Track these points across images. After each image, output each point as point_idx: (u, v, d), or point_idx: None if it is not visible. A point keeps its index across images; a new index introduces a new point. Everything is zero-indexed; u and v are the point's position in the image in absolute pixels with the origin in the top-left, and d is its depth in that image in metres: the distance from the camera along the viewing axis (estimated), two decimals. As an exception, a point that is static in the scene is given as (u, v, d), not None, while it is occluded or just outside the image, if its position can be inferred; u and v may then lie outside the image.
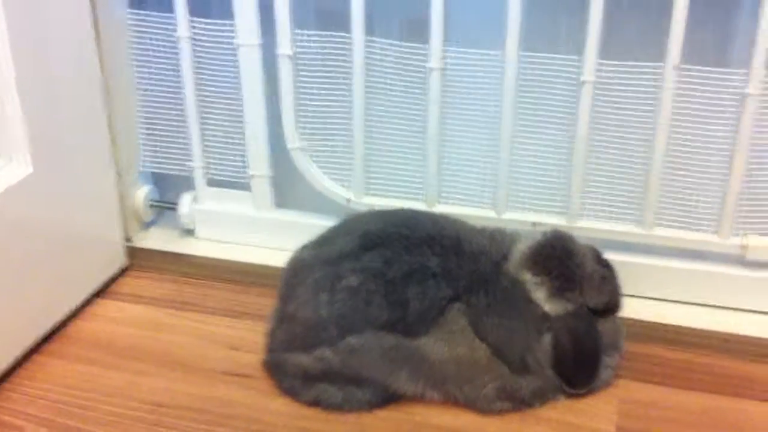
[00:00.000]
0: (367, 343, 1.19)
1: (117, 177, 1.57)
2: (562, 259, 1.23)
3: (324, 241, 1.31)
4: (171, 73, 1.58)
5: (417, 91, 1.46)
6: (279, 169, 1.61)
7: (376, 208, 1.51)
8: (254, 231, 1.65)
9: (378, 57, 1.45)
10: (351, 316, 1.20)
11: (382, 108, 1.49)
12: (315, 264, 1.26)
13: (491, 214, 1.51)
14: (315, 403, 1.25)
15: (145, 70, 1.59)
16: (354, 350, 1.20)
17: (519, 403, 1.24)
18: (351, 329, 1.20)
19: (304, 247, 1.32)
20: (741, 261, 1.45)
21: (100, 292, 1.52)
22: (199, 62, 1.55)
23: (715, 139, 1.38)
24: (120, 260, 1.59)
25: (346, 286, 1.21)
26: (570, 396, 1.26)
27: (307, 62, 1.49)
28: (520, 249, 1.25)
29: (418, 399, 1.25)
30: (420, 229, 1.26)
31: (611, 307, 1.26)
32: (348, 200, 1.55)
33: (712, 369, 1.34)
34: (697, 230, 1.45)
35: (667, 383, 1.31)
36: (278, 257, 1.35)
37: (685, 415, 1.24)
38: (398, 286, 1.20)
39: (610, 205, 1.47)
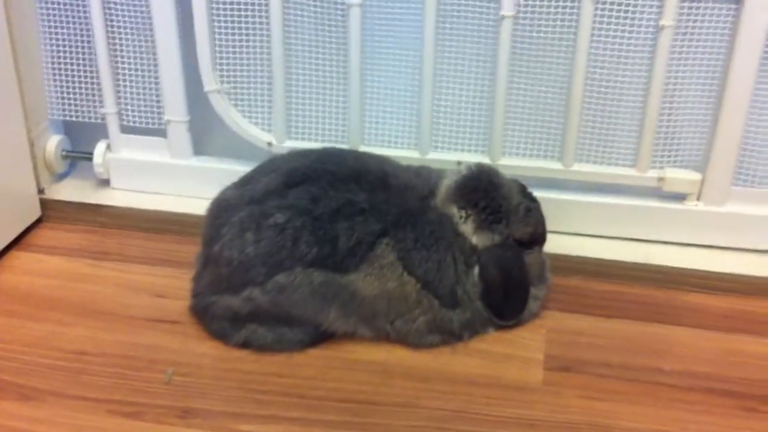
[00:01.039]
0: (296, 281, 1.18)
1: (26, 127, 1.52)
2: (488, 192, 1.23)
3: (247, 180, 1.28)
4: (78, 13, 1.52)
5: (337, 29, 1.44)
6: (196, 114, 1.57)
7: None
8: (172, 179, 1.61)
9: (296, -6, 1.43)
10: (278, 254, 1.18)
11: (303, 48, 1.46)
12: (239, 203, 1.23)
13: (415, 154, 1.51)
14: (245, 344, 1.23)
15: (51, 11, 1.53)
16: (283, 288, 1.18)
17: (449, 336, 1.25)
18: (279, 267, 1.18)
19: (227, 188, 1.29)
20: (658, 193, 1.48)
21: (15, 245, 1.47)
22: (108, 0, 1.49)
23: (631, 73, 1.40)
24: (34, 212, 1.53)
25: (272, 223, 1.19)
26: (500, 328, 1.28)
27: (223, -1, 1.45)
28: (447, 184, 1.26)
29: (349, 337, 1.24)
30: (345, 165, 1.25)
31: (537, 238, 1.27)
32: (269, 144, 1.53)
33: (633, 298, 1.37)
34: (616, 164, 1.47)
35: (591, 313, 1.33)
36: (198, 205, 1.32)
37: (610, 341, 1.27)
38: (326, 222, 1.18)
39: (531, 143, 1.48)
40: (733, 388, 1.19)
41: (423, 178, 1.28)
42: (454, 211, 1.23)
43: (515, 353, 1.25)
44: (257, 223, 1.20)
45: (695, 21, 1.35)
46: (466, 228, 1.23)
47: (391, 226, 1.21)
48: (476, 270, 1.22)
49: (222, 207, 1.26)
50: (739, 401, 1.17)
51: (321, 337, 1.24)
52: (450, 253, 1.22)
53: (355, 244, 1.19)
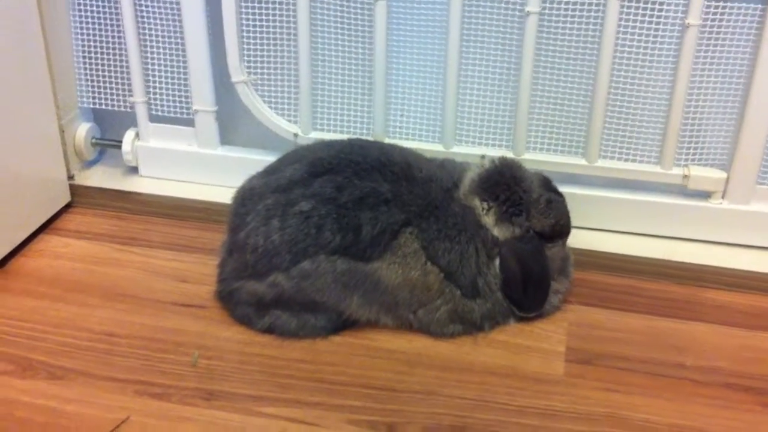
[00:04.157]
0: (320, 268, 1.20)
1: (57, 114, 1.54)
2: (509, 185, 1.24)
3: (273, 170, 1.30)
4: (109, 2, 1.55)
5: (363, 23, 1.45)
6: (224, 105, 1.59)
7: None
8: (199, 168, 1.63)
9: (325, -13, 1.44)
10: (303, 242, 1.20)
11: (329, 40, 1.48)
12: (265, 192, 1.25)
13: (439, 148, 1.52)
14: (269, 330, 1.25)
15: (82, 1, 1.55)
16: (307, 275, 1.20)
17: (470, 326, 1.26)
18: (304, 254, 1.20)
19: (253, 177, 1.31)
20: (682, 191, 1.48)
21: (45, 229, 1.50)
22: (138, -8, 1.52)
23: (657, 71, 1.40)
24: (64, 197, 1.56)
25: (297, 211, 1.20)
26: (521, 319, 1.29)
27: (251, -9, 1.47)
28: (470, 176, 1.27)
29: (372, 325, 1.26)
30: (370, 156, 1.26)
31: (559, 231, 1.27)
32: (295, 135, 1.54)
33: (655, 293, 1.37)
34: (641, 161, 1.47)
35: (612, 307, 1.34)
36: (223, 194, 1.34)
37: (630, 335, 1.28)
38: (350, 210, 1.20)
39: (555, 138, 1.49)
40: (753, 384, 1.19)
41: (447, 171, 1.29)
42: (476, 203, 1.24)
43: (536, 345, 1.26)
44: (283, 210, 1.21)
45: (721, 20, 1.35)
46: (488, 220, 1.24)
47: (415, 216, 1.22)
48: (497, 262, 1.24)
49: (247, 195, 1.28)
50: (759, 397, 1.17)
51: (343, 324, 1.25)
52: (473, 244, 1.23)
53: (379, 233, 1.20)
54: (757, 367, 1.23)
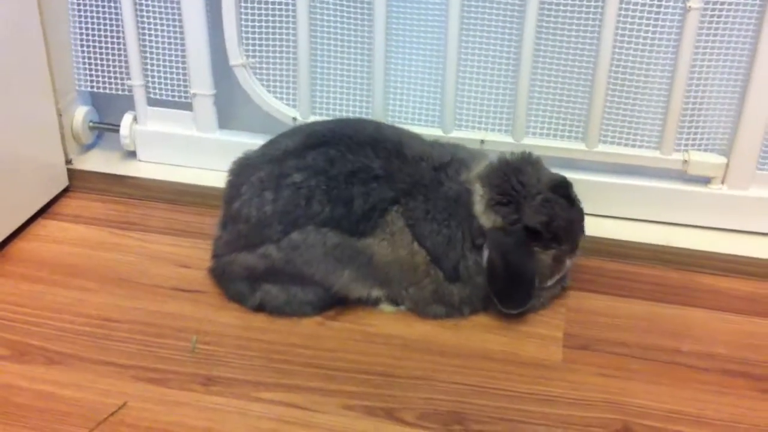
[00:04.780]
0: (309, 239, 1.20)
1: (54, 98, 1.54)
2: (507, 176, 1.23)
3: (269, 143, 1.31)
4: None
5: (363, 6, 1.44)
6: (222, 89, 1.58)
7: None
8: (197, 152, 1.62)
9: (323, -30, 1.43)
10: (294, 212, 1.20)
11: (328, 23, 1.47)
12: (259, 163, 1.26)
13: (438, 132, 1.51)
14: (260, 306, 1.26)
15: (80, -17, 1.55)
16: (296, 246, 1.20)
17: (451, 308, 1.26)
18: (294, 225, 1.20)
19: (250, 151, 1.32)
20: (682, 176, 1.48)
21: (43, 213, 1.49)
22: (136, -26, 1.51)
23: (658, 55, 1.39)
24: (61, 182, 1.56)
25: (290, 183, 1.21)
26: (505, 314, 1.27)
27: (250, -26, 1.46)
28: (485, 163, 1.27)
29: (368, 309, 1.26)
30: (364, 132, 1.27)
31: (553, 233, 1.23)
32: (294, 119, 1.54)
33: (653, 279, 1.38)
34: (640, 146, 1.47)
35: (611, 293, 1.34)
36: (221, 179, 1.34)
37: (628, 321, 1.28)
38: (340, 183, 1.21)
39: (555, 123, 1.48)
40: (750, 370, 1.20)
41: (438, 149, 1.29)
42: (477, 188, 1.24)
43: (534, 331, 1.26)
44: (276, 182, 1.22)
45: (723, 3, 1.34)
46: (478, 207, 1.23)
47: (403, 194, 1.22)
48: (484, 251, 1.23)
49: (242, 167, 1.29)
50: (756, 383, 1.18)
51: (332, 300, 1.26)
52: (460, 230, 1.23)
53: (370, 208, 1.21)
54: (755, 352, 1.23)
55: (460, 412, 1.12)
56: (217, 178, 1.44)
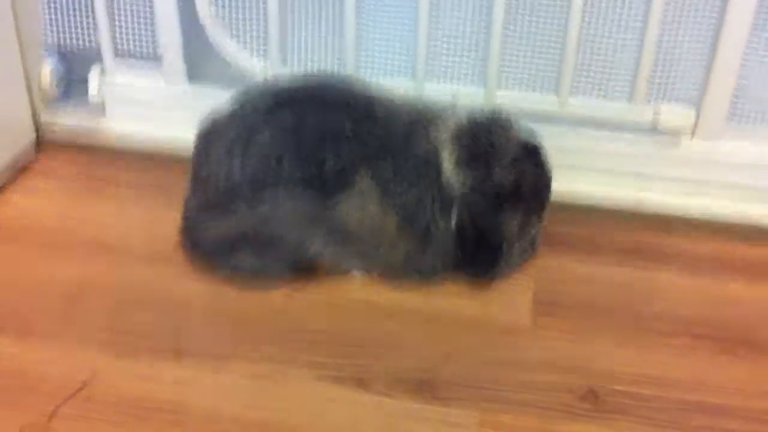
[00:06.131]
0: (279, 198, 1.19)
1: (20, 53, 1.50)
2: (477, 136, 1.23)
3: (237, 101, 1.28)
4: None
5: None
6: (191, 41, 1.55)
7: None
8: (167, 106, 1.59)
9: None
10: (264, 172, 1.19)
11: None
12: (228, 122, 1.24)
13: (410, 84, 1.49)
14: (232, 272, 1.25)
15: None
16: (268, 208, 1.20)
17: (422, 273, 1.26)
18: (263, 186, 1.19)
19: (215, 111, 1.29)
20: (653, 129, 1.47)
21: (9, 172, 1.48)
22: None
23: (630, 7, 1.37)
24: (29, 138, 1.54)
25: (259, 142, 1.20)
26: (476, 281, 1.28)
27: None
28: (455, 121, 1.25)
29: (339, 277, 1.26)
30: (333, 91, 1.26)
31: (520, 195, 1.23)
32: (264, 72, 1.51)
33: (621, 239, 1.38)
34: (611, 98, 1.45)
35: (581, 257, 1.34)
36: (190, 133, 1.31)
37: (598, 285, 1.29)
38: (310, 144, 1.20)
39: (527, 75, 1.46)
40: (716, 333, 1.21)
41: (408, 108, 1.28)
42: (446, 147, 1.23)
43: (504, 296, 1.26)
44: (244, 143, 1.21)
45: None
46: (447, 167, 1.22)
47: (373, 154, 1.21)
48: (453, 214, 1.22)
49: (211, 128, 1.27)
50: (722, 344, 1.19)
51: (304, 265, 1.25)
52: (430, 191, 1.22)
53: (340, 170, 1.19)
54: (721, 314, 1.24)
55: (431, 379, 1.12)
56: (187, 131, 1.42)
